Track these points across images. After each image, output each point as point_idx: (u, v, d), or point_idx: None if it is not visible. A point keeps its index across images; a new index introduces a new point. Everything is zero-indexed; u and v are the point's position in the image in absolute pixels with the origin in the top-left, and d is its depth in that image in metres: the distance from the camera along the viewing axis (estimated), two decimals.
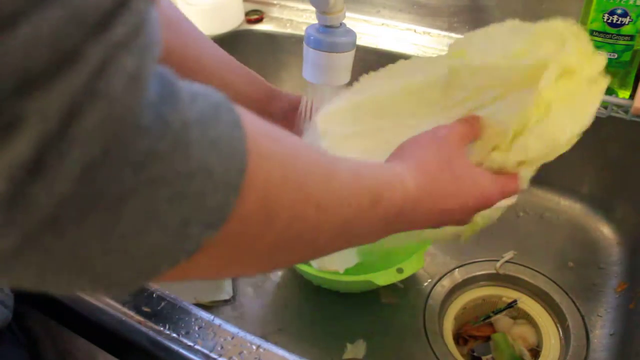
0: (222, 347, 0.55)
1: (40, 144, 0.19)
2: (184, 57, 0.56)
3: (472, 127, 0.50)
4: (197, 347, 0.55)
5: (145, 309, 0.57)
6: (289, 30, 1.00)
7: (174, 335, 0.56)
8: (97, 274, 0.23)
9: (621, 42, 0.65)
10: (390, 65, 0.55)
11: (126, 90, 0.21)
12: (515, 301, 0.76)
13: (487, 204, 0.48)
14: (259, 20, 1.03)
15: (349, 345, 0.71)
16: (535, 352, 0.73)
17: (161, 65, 0.24)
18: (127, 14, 0.21)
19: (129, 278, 0.24)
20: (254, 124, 0.28)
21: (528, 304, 0.77)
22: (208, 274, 0.30)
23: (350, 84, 0.57)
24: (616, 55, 0.66)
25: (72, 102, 0.19)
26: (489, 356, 0.72)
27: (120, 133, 0.21)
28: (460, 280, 0.78)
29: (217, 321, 0.57)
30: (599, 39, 0.65)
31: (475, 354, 0.73)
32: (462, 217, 0.48)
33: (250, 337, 0.55)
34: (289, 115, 0.61)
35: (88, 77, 0.19)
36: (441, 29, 0.93)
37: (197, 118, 0.24)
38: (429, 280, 0.78)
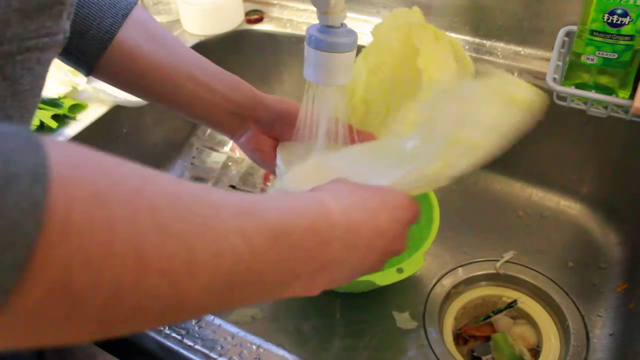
0: (222, 347, 0.55)
1: None
2: (167, 69, 0.57)
3: None
4: (197, 347, 0.55)
5: None
6: (289, 30, 1.00)
7: (174, 335, 0.56)
8: None
9: (621, 42, 0.65)
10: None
11: None
12: (515, 301, 0.76)
13: (411, 215, 0.46)
14: (259, 20, 1.03)
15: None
16: (535, 352, 0.73)
17: None
18: None
19: None
20: (74, 190, 0.24)
21: (528, 304, 0.77)
22: (17, 345, 0.26)
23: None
24: (616, 55, 0.66)
25: None
26: (489, 356, 0.72)
27: None
28: (460, 280, 0.78)
29: (217, 321, 0.57)
30: (599, 39, 0.66)
31: (475, 354, 0.73)
32: (399, 235, 0.44)
33: (250, 337, 0.55)
34: (273, 123, 0.61)
35: None
36: (441, 29, 0.93)
37: None
38: (429, 280, 0.78)
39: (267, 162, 0.63)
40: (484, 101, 0.51)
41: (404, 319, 0.74)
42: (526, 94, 0.51)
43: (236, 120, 0.61)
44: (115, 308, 0.26)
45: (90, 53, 0.55)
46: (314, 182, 0.45)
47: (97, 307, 0.25)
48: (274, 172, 0.63)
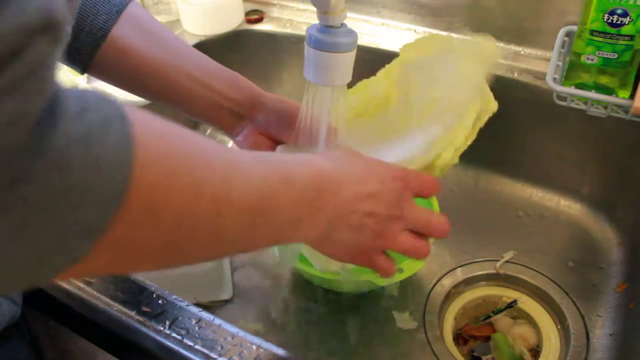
0: (222, 347, 0.55)
1: None
2: (163, 66, 0.57)
3: None
4: (197, 347, 0.55)
5: (145, 309, 0.58)
6: (289, 30, 1.00)
7: (174, 335, 0.56)
8: None
9: (621, 42, 0.65)
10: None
11: (5, 129, 0.23)
12: (515, 301, 0.76)
13: (401, 183, 0.49)
14: (259, 20, 1.03)
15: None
16: (535, 352, 0.73)
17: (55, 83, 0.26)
18: (16, 63, 0.23)
19: (13, 283, 0.27)
20: (148, 130, 0.30)
21: (528, 304, 0.77)
22: (101, 273, 0.33)
23: (351, 85, 0.57)
24: (616, 55, 0.66)
25: None
26: (489, 356, 0.72)
27: None
28: (460, 280, 0.78)
29: (217, 321, 0.57)
30: (599, 39, 0.66)
31: (475, 354, 0.73)
32: (390, 200, 0.48)
33: (250, 337, 0.55)
34: (271, 124, 0.60)
35: None
36: (441, 29, 0.93)
37: (80, 135, 0.26)
38: (429, 280, 0.78)
39: None
40: (452, 62, 0.55)
41: (404, 319, 0.74)
42: (492, 49, 0.57)
43: (234, 118, 0.61)
44: (179, 227, 0.32)
45: (84, 50, 0.54)
46: None
47: (167, 225, 0.31)
48: None
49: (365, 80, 0.63)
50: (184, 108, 0.60)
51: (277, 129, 0.60)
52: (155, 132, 0.31)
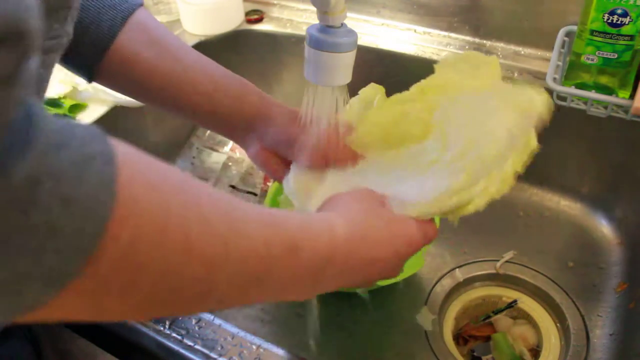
0: (222, 347, 0.55)
1: None
2: (169, 77, 0.56)
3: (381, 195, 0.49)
4: (197, 347, 0.55)
5: None
6: (289, 30, 1.00)
7: (174, 335, 0.56)
8: None
9: (621, 42, 0.65)
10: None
11: None
12: (515, 301, 0.76)
13: (414, 251, 0.48)
14: (259, 20, 1.03)
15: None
16: (535, 352, 0.73)
17: (36, 106, 0.24)
18: None
19: None
20: (136, 176, 0.27)
21: (528, 304, 0.77)
22: (71, 319, 0.28)
23: (351, 85, 0.57)
24: (616, 55, 0.66)
25: None
26: (489, 356, 0.72)
27: None
28: (460, 280, 0.78)
29: (217, 321, 0.57)
30: (599, 39, 0.66)
31: (475, 354, 0.73)
32: (394, 266, 0.47)
33: (250, 337, 0.56)
34: (279, 145, 0.59)
35: None
36: (441, 29, 0.93)
37: (51, 171, 0.23)
38: (429, 280, 0.78)
39: (276, 177, 0.61)
40: (498, 110, 0.51)
41: (424, 315, 0.74)
42: (540, 103, 0.51)
43: (241, 131, 0.60)
44: (162, 285, 0.29)
45: (90, 58, 0.54)
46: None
47: (148, 283, 0.28)
48: (272, 177, 0.62)
49: (397, 95, 0.59)
50: (190, 117, 0.59)
51: (285, 148, 0.59)
52: (147, 180, 0.28)
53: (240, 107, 0.58)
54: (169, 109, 0.59)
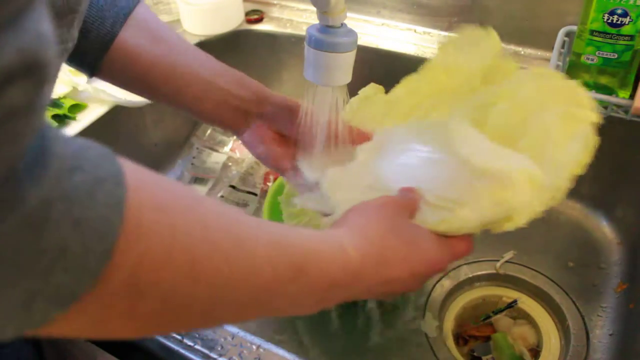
0: (222, 347, 0.55)
1: None
2: (171, 69, 0.57)
3: (412, 200, 0.47)
4: (197, 347, 0.55)
5: None
6: (289, 30, 1.00)
7: (174, 335, 0.56)
8: None
9: (621, 42, 0.65)
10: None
11: None
12: (515, 301, 0.76)
13: (438, 269, 0.45)
14: (259, 20, 1.03)
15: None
16: (535, 352, 0.73)
17: (50, 130, 0.24)
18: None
19: None
20: (145, 198, 0.27)
21: (528, 304, 0.77)
22: (76, 336, 0.29)
23: (351, 85, 0.57)
24: (616, 55, 0.66)
25: None
26: (489, 356, 0.72)
27: None
28: (460, 280, 0.78)
29: None
30: (599, 39, 0.66)
31: (475, 354, 0.73)
32: (412, 284, 0.45)
33: (250, 337, 0.56)
34: (277, 117, 0.60)
35: None
36: (441, 29, 0.93)
37: (65, 194, 0.24)
38: (429, 280, 0.78)
39: (270, 157, 0.62)
40: (553, 128, 0.46)
41: (428, 322, 0.74)
42: (592, 118, 0.48)
43: (241, 115, 0.60)
44: (167, 305, 0.29)
45: (92, 54, 0.54)
46: (357, 189, 0.48)
47: (153, 303, 0.28)
48: (275, 170, 0.62)
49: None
50: (193, 109, 0.60)
51: (283, 123, 0.60)
52: (154, 200, 0.28)
53: (241, 90, 0.59)
54: (171, 102, 0.60)
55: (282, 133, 0.61)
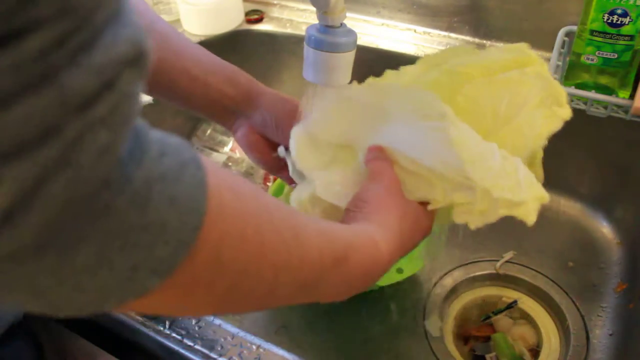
0: (222, 347, 0.55)
1: (11, 201, 0.21)
2: (162, 62, 0.56)
3: (389, 168, 0.49)
4: (197, 347, 0.55)
5: None
6: (289, 30, 1.00)
7: (174, 335, 0.56)
8: (51, 300, 0.26)
9: (621, 42, 0.65)
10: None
11: (95, 161, 0.23)
12: (515, 301, 0.76)
13: (427, 235, 0.51)
14: (259, 20, 1.03)
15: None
16: (535, 352, 0.73)
17: (139, 120, 0.26)
18: (110, 94, 0.23)
19: (80, 307, 0.27)
20: (221, 182, 0.30)
21: (528, 304, 0.77)
22: (161, 312, 0.32)
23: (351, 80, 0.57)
24: (616, 55, 0.66)
25: (43, 171, 0.21)
26: (492, 354, 0.72)
27: (83, 191, 0.23)
28: (460, 280, 0.78)
29: (217, 321, 0.57)
30: (599, 39, 0.66)
31: (476, 352, 0.73)
32: (410, 250, 0.49)
33: (250, 337, 0.56)
34: (267, 125, 0.59)
35: (61, 150, 0.22)
36: (441, 29, 0.93)
37: (161, 175, 0.26)
38: (429, 280, 0.78)
39: (262, 163, 0.62)
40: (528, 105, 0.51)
41: (432, 322, 0.74)
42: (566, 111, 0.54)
43: (230, 115, 0.60)
44: (240, 283, 0.32)
45: None
46: (327, 152, 0.50)
47: (230, 279, 0.31)
48: (270, 171, 0.62)
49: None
50: (183, 104, 0.60)
51: (273, 131, 0.59)
52: (229, 187, 0.31)
53: (230, 88, 0.59)
54: (162, 96, 0.59)
55: (271, 140, 0.60)
